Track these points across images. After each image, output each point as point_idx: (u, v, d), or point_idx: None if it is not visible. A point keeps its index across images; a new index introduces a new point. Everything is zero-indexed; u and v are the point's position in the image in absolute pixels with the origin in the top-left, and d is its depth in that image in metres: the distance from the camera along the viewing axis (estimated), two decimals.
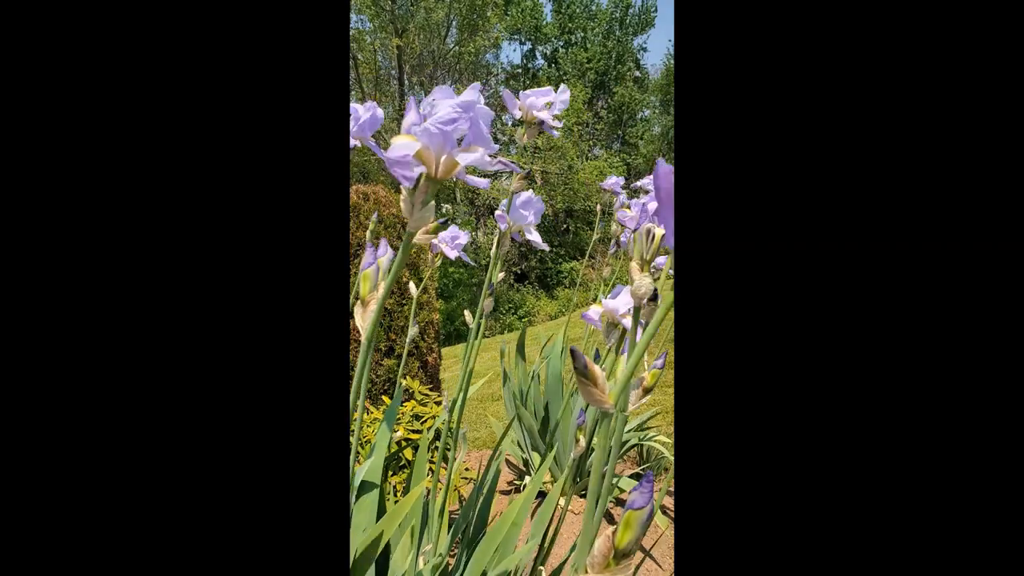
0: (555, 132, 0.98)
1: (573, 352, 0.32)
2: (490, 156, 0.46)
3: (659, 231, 0.46)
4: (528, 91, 0.96)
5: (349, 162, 0.48)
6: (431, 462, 1.49)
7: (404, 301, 2.44)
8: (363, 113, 0.70)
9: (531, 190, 0.98)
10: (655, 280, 0.44)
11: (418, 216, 0.46)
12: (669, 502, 2.06)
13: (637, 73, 18.73)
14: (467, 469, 1.92)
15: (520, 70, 17.68)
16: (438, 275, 2.78)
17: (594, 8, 17.79)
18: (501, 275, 1.24)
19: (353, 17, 12.29)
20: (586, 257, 2.29)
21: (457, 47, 13.16)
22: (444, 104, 0.45)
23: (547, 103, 0.96)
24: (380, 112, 0.69)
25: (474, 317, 1.06)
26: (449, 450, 1.14)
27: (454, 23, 13.13)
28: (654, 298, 0.43)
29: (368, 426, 1.85)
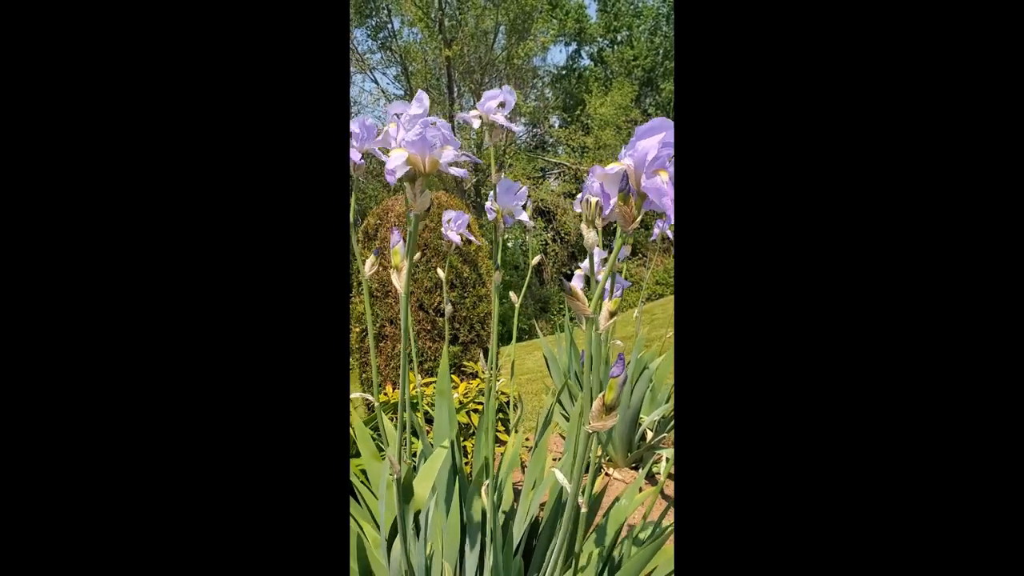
0: (516, 128, 1.07)
1: (561, 282, 0.51)
2: (456, 151, 0.62)
3: (594, 199, 0.61)
4: (482, 97, 1.06)
5: (350, 171, 0.56)
6: (496, 431, 1.72)
7: (466, 294, 2.70)
8: (357, 129, 0.83)
9: (506, 177, 1.09)
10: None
11: (420, 202, 0.62)
12: None
13: None
14: (527, 439, 2.15)
15: (566, 71, 17.74)
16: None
17: (640, 5, 17.67)
18: (537, 259, 1.45)
19: (405, 30, 12.79)
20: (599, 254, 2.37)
21: (505, 52, 13.41)
22: (414, 123, 0.61)
23: (499, 103, 1.05)
24: (371, 123, 0.85)
25: (519, 297, 1.32)
26: (504, 417, 1.32)
27: (502, 29, 13.39)
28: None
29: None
